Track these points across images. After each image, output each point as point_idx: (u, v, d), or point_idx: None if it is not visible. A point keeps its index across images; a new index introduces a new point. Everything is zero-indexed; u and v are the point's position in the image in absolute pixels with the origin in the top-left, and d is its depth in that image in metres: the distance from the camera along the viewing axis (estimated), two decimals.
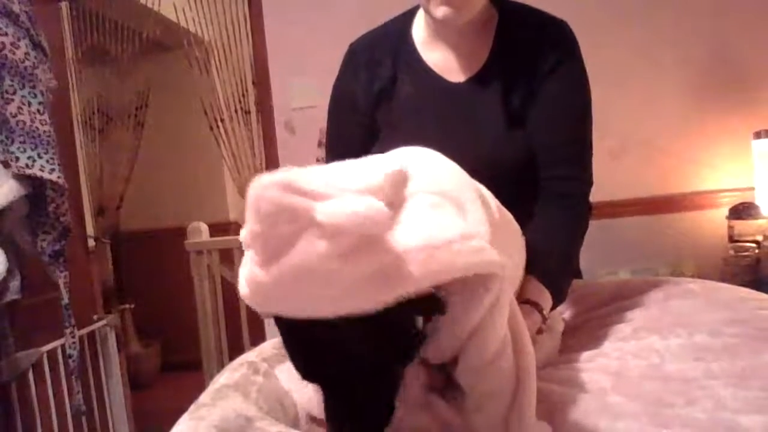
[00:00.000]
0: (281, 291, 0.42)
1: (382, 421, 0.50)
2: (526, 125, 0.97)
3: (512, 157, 0.96)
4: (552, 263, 0.87)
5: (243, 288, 0.47)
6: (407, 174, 0.52)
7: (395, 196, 0.50)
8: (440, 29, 1.01)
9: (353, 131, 1.05)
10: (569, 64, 1.01)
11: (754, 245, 2.00)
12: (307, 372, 0.49)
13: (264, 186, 0.43)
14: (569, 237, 0.97)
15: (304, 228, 0.41)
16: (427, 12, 0.96)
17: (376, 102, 1.02)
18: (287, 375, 0.90)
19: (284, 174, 0.44)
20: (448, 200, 0.54)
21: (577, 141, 1.02)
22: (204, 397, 0.82)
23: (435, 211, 0.52)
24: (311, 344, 0.47)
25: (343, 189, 0.45)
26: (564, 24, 1.04)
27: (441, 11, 0.92)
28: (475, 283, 0.54)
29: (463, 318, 0.55)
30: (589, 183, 1.03)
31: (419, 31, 1.04)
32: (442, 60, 1.01)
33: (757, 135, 2.09)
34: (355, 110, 1.05)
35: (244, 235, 0.47)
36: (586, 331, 0.97)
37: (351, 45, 1.10)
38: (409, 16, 1.06)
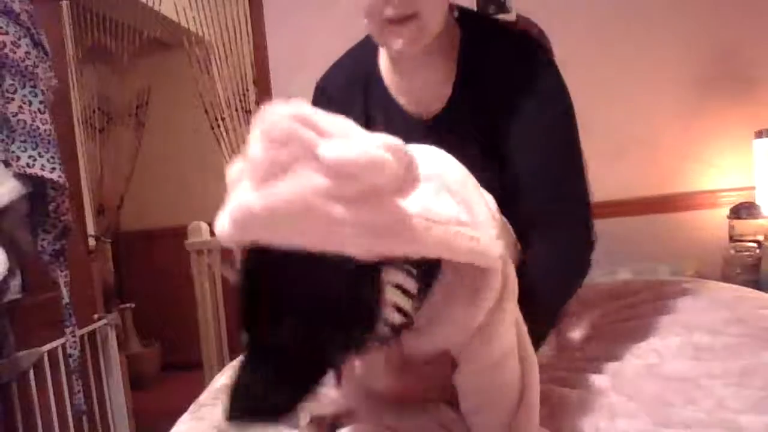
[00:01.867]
0: (269, 216, 0.41)
1: (308, 389, 0.45)
2: (502, 158, 0.87)
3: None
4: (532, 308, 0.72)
5: (221, 223, 0.45)
6: (415, 160, 0.51)
7: (406, 173, 0.48)
8: (399, 60, 0.94)
9: None
10: (542, 83, 0.89)
11: (754, 245, 2.00)
12: (254, 317, 0.45)
13: (277, 113, 0.43)
14: (556, 281, 0.83)
15: (305, 159, 0.41)
16: (383, 46, 0.90)
17: None
18: None
19: (301, 107, 0.43)
20: (452, 193, 0.54)
21: (562, 166, 0.89)
22: (205, 396, 0.82)
23: (438, 197, 0.51)
24: (276, 283, 0.43)
25: (359, 135, 0.44)
26: (533, 39, 0.95)
27: (395, 43, 0.85)
28: (474, 277, 0.53)
29: (463, 313, 0.54)
30: (583, 203, 0.91)
31: (384, 61, 0.97)
32: (408, 94, 0.94)
33: (759, 134, 2.09)
34: None
35: (235, 169, 0.46)
36: (585, 330, 0.97)
37: (319, 82, 1.04)
38: (374, 41, 0.95)
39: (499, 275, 0.55)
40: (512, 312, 0.60)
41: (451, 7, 0.93)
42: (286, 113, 0.42)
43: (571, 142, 0.89)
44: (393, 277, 0.46)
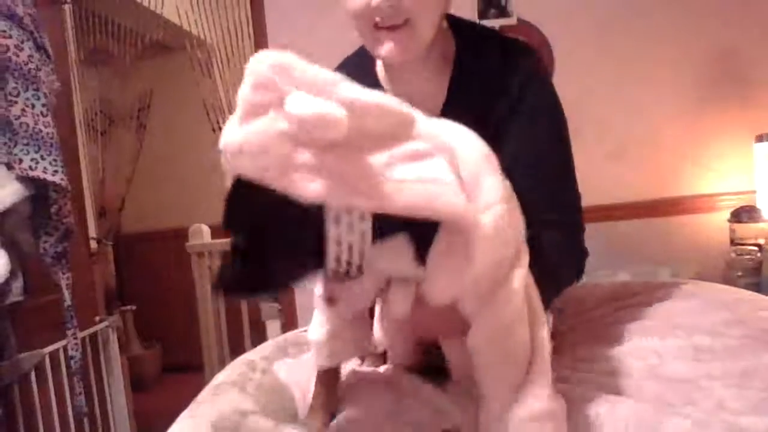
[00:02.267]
0: (238, 149, 0.48)
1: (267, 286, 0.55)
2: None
3: None
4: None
5: (221, 142, 0.51)
6: (413, 118, 0.56)
7: (400, 131, 0.54)
8: (393, 68, 0.92)
9: None
10: (536, 94, 0.88)
11: (755, 248, 2.00)
12: (235, 224, 0.53)
13: (261, 60, 0.50)
14: (549, 277, 0.79)
15: (277, 105, 0.47)
16: (372, 52, 0.89)
17: None
18: (286, 370, 0.90)
19: (286, 57, 0.50)
20: (460, 167, 0.58)
21: (555, 175, 0.89)
22: (202, 394, 0.82)
23: (438, 166, 0.55)
24: (245, 204, 0.51)
25: (331, 90, 0.49)
26: (528, 49, 0.93)
27: (384, 49, 0.83)
28: (468, 236, 0.56)
29: (458, 265, 0.57)
30: (576, 212, 0.92)
31: (381, 68, 0.96)
32: (403, 101, 0.94)
33: (759, 138, 2.09)
34: None
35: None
36: (584, 331, 0.97)
37: None
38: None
39: (489, 240, 0.58)
40: (523, 278, 0.63)
41: (446, 16, 0.91)
42: (269, 61, 0.49)
43: (563, 153, 0.90)
44: (340, 229, 0.50)
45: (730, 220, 2.10)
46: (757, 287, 1.89)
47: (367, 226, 0.51)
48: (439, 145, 0.57)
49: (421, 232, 0.55)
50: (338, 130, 0.46)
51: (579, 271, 0.90)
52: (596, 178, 2.32)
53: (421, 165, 0.54)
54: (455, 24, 0.94)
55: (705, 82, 2.28)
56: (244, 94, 0.49)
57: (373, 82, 0.96)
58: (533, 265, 0.67)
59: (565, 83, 2.28)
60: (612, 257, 2.16)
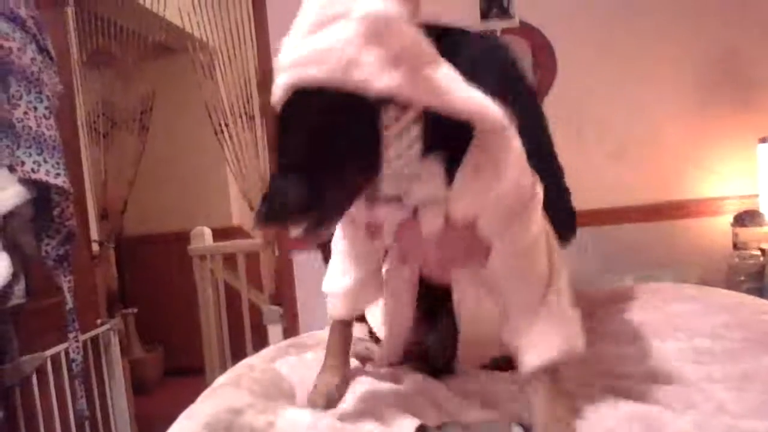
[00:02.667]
0: (312, 58, 0.53)
1: (321, 202, 0.56)
2: None
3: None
4: None
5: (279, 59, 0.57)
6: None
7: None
8: None
9: None
10: (510, 88, 0.93)
11: (759, 253, 1.99)
12: (282, 142, 0.56)
13: None
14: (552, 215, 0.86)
15: (342, 17, 0.53)
16: None
17: None
18: (288, 367, 0.90)
19: None
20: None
21: (543, 145, 0.97)
22: (200, 397, 0.83)
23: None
24: (302, 114, 0.54)
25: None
26: (499, 45, 0.99)
27: None
28: (498, 154, 0.62)
29: (487, 184, 0.62)
30: (562, 178, 0.99)
31: None
32: None
33: (763, 141, 2.08)
34: None
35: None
36: (585, 333, 0.97)
37: None
38: None
39: (518, 157, 0.64)
40: (540, 205, 0.68)
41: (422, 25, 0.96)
42: None
43: (547, 130, 0.98)
44: (392, 136, 0.55)
45: (733, 224, 2.10)
46: (760, 292, 1.88)
47: (418, 141, 0.56)
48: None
49: (451, 153, 0.61)
50: (402, 35, 0.52)
51: (572, 230, 0.96)
52: (597, 181, 2.32)
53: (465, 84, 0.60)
54: (430, 27, 0.96)
55: (707, 84, 2.28)
56: (313, 9, 0.55)
57: None
58: None
59: (566, 85, 2.30)
60: (615, 261, 2.15)
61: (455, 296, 0.79)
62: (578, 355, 0.67)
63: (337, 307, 0.80)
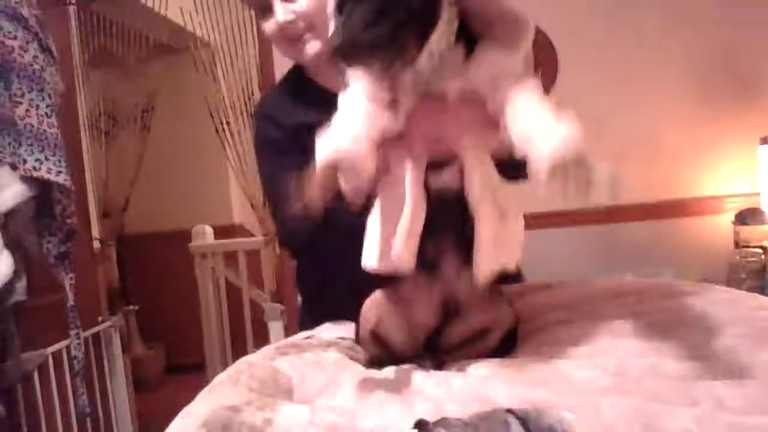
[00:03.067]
0: None
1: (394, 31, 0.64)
2: None
3: None
4: None
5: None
6: None
7: None
8: (320, 71, 1.02)
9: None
10: None
11: (760, 251, 1.99)
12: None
13: None
14: None
15: None
16: (298, 62, 1.00)
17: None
18: (288, 364, 0.91)
19: None
20: None
21: None
22: (199, 395, 0.83)
23: None
24: None
25: None
26: None
27: (311, 47, 0.94)
28: (514, 33, 0.70)
29: (503, 56, 0.70)
30: None
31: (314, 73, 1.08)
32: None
33: (764, 140, 2.08)
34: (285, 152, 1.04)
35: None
36: (584, 326, 0.97)
37: (256, 110, 1.17)
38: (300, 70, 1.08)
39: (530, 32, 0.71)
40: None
41: None
42: None
43: None
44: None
45: (734, 223, 2.10)
46: (761, 289, 1.88)
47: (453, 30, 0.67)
48: None
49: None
50: None
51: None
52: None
53: None
54: None
55: (709, 83, 2.28)
56: None
57: (310, 87, 1.05)
58: None
59: (567, 83, 2.29)
60: (616, 260, 2.15)
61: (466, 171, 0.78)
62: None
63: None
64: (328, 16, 0.83)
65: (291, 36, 0.99)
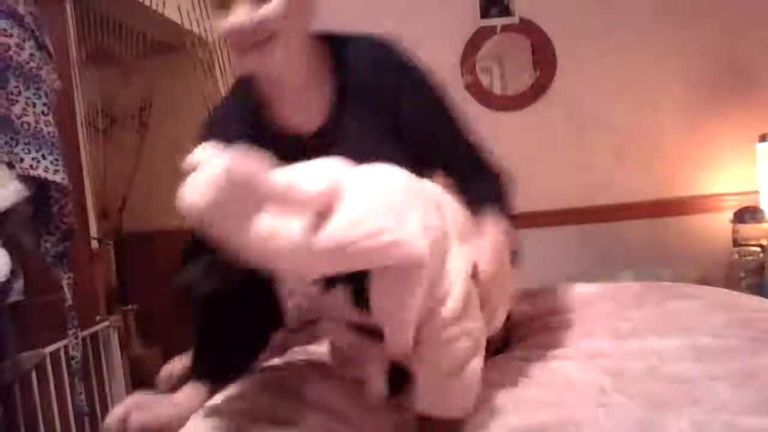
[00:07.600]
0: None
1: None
2: (403, 140, 0.93)
3: None
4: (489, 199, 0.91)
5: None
6: (339, 185, 0.65)
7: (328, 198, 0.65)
8: (269, 88, 0.96)
9: None
10: (412, 72, 0.97)
11: (758, 249, 1.99)
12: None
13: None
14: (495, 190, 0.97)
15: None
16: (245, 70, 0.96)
17: None
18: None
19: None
20: (387, 207, 0.66)
21: (456, 127, 0.99)
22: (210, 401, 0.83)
23: (370, 209, 0.64)
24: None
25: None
26: (386, 42, 0.99)
27: (251, 60, 0.87)
28: (404, 271, 0.65)
29: (398, 296, 0.67)
30: (481, 150, 1.02)
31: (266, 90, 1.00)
32: (291, 115, 0.96)
33: (762, 138, 2.09)
34: None
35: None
36: (583, 328, 0.97)
37: (207, 119, 1.15)
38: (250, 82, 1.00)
39: (426, 269, 0.66)
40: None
41: (320, 37, 0.99)
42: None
43: (452, 107, 0.99)
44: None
45: (732, 221, 2.10)
46: (759, 288, 1.88)
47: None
48: (370, 191, 0.67)
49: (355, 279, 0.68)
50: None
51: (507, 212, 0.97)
52: (598, 178, 2.32)
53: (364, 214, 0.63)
54: (327, 37, 1.00)
55: (708, 82, 2.28)
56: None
57: (253, 114, 1.00)
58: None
59: (566, 82, 2.29)
60: (614, 258, 2.15)
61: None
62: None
63: None
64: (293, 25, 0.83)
65: (243, 42, 0.89)
